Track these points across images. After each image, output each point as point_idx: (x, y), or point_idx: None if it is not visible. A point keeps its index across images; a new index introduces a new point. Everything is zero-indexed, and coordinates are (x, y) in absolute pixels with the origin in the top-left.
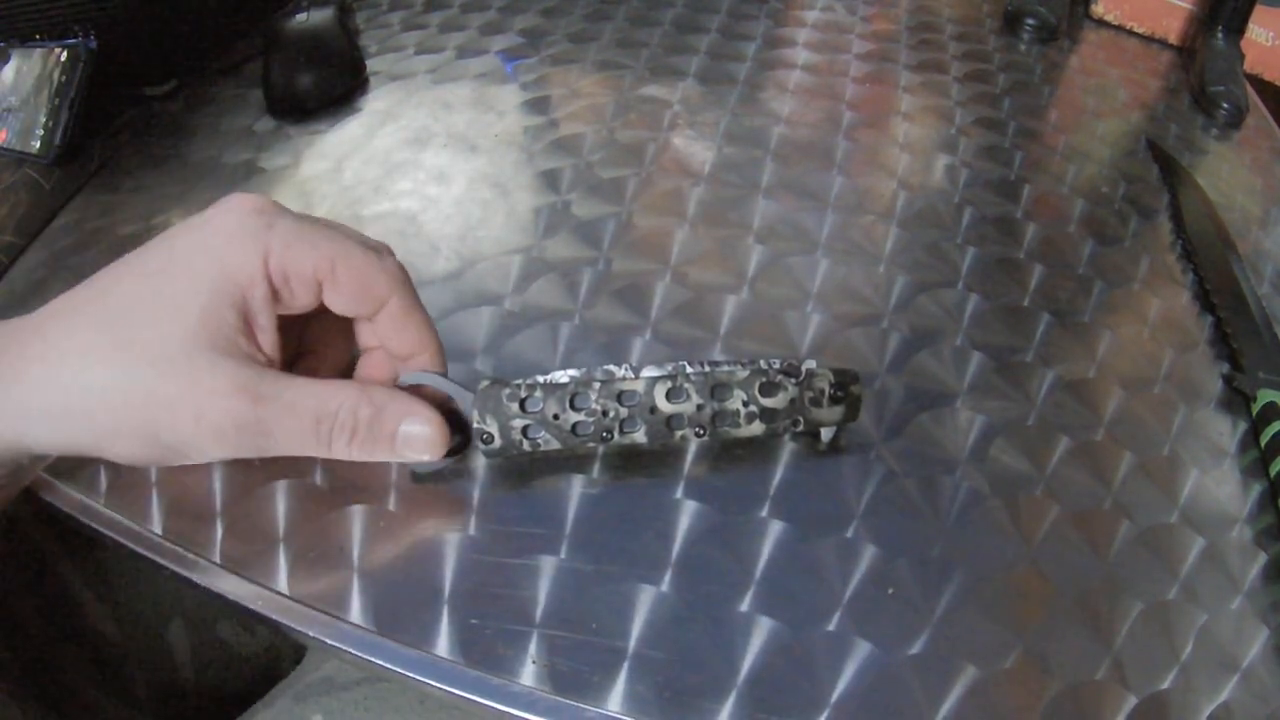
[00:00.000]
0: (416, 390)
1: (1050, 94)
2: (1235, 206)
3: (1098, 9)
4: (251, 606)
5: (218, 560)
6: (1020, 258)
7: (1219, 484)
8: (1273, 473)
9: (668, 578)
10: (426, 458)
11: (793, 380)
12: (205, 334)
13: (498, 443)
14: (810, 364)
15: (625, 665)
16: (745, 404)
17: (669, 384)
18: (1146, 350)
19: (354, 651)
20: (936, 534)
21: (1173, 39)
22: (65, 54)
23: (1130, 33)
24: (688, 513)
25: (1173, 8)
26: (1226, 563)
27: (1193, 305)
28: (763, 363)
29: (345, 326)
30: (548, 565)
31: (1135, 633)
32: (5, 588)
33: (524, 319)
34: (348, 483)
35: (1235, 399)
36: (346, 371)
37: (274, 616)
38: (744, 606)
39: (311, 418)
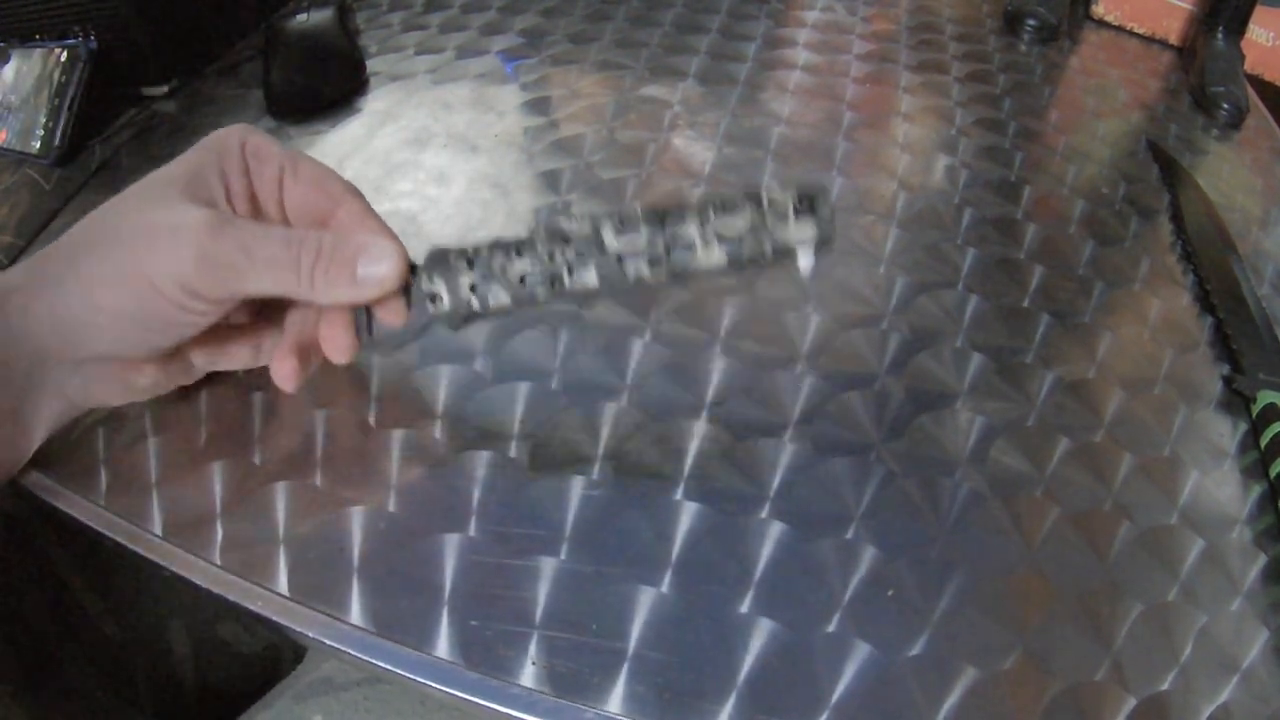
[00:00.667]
0: None
1: (1050, 94)
2: (1235, 207)
3: (1098, 9)
4: (251, 607)
5: (217, 561)
6: (1020, 258)
7: (1219, 485)
8: (1273, 474)
9: (668, 579)
10: (385, 272)
11: (751, 201)
12: (186, 189)
13: (446, 302)
14: (771, 185)
15: (625, 666)
16: (701, 226)
17: (616, 218)
18: (1147, 351)
19: (354, 653)
20: (936, 535)
21: (1173, 39)
22: (65, 54)
23: (1130, 33)
24: (688, 514)
25: (1173, 8)
26: (1226, 564)
27: (1193, 306)
28: (718, 194)
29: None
30: (548, 566)
31: (1135, 634)
32: (6, 587)
33: (524, 320)
34: (347, 484)
35: (1235, 400)
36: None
37: (274, 617)
38: (744, 608)
39: (281, 240)
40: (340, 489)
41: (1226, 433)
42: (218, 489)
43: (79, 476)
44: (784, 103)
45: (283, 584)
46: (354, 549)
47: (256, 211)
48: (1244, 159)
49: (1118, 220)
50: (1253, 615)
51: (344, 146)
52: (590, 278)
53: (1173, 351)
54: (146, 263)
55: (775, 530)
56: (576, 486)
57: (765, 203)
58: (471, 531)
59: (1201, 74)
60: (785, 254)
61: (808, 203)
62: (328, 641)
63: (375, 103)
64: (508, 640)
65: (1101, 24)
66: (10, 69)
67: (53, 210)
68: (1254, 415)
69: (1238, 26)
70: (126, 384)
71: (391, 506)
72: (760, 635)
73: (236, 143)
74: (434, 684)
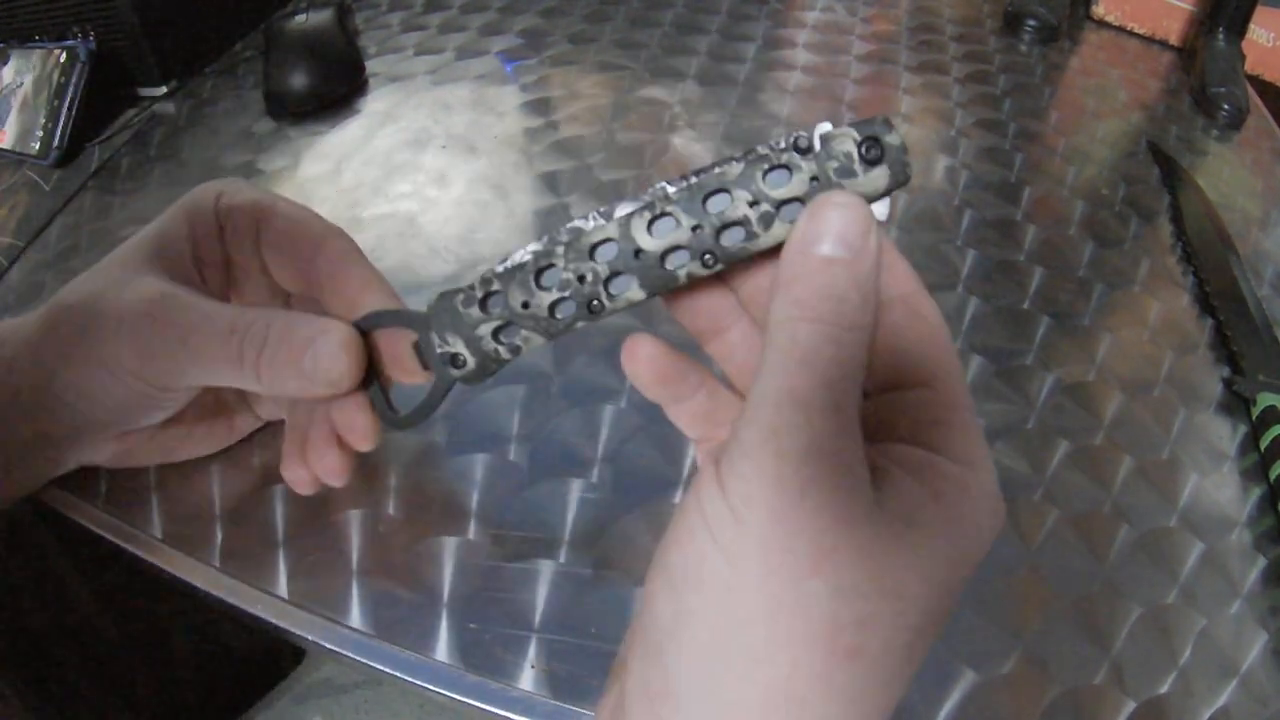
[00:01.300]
0: (377, 341)
1: (1050, 95)
2: (1235, 208)
3: (1098, 10)
4: (251, 610)
5: (217, 564)
6: (1020, 260)
7: (1218, 487)
8: (1272, 476)
9: None
10: (337, 375)
11: (806, 155)
12: (153, 257)
13: (470, 363)
14: (824, 127)
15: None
16: (753, 204)
17: (648, 214)
18: (1146, 353)
19: (353, 656)
20: None
21: (1173, 40)
22: (65, 55)
23: (1131, 33)
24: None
25: (1173, 8)
26: (1226, 566)
27: (1193, 308)
28: (761, 148)
29: None
30: (546, 570)
31: (1134, 637)
32: (7, 588)
33: None
34: (347, 488)
35: (1235, 402)
36: None
37: (273, 620)
38: None
39: (226, 326)
40: (339, 492)
41: (1226, 435)
42: (217, 492)
43: (79, 479)
44: (783, 103)
45: (282, 587)
46: (353, 552)
47: (230, 274)
48: (1244, 160)
49: (1118, 221)
50: (1252, 618)
51: (343, 147)
52: (634, 292)
53: (1172, 353)
54: (98, 349)
55: None
56: (575, 489)
57: (821, 150)
58: (470, 534)
59: (1202, 74)
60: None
61: (876, 148)
62: (327, 645)
63: (375, 103)
64: (507, 643)
65: (1101, 24)
66: (10, 69)
67: (52, 211)
68: (1254, 417)
69: (1238, 27)
70: (125, 450)
71: (390, 510)
72: None
73: (210, 202)
74: (433, 687)
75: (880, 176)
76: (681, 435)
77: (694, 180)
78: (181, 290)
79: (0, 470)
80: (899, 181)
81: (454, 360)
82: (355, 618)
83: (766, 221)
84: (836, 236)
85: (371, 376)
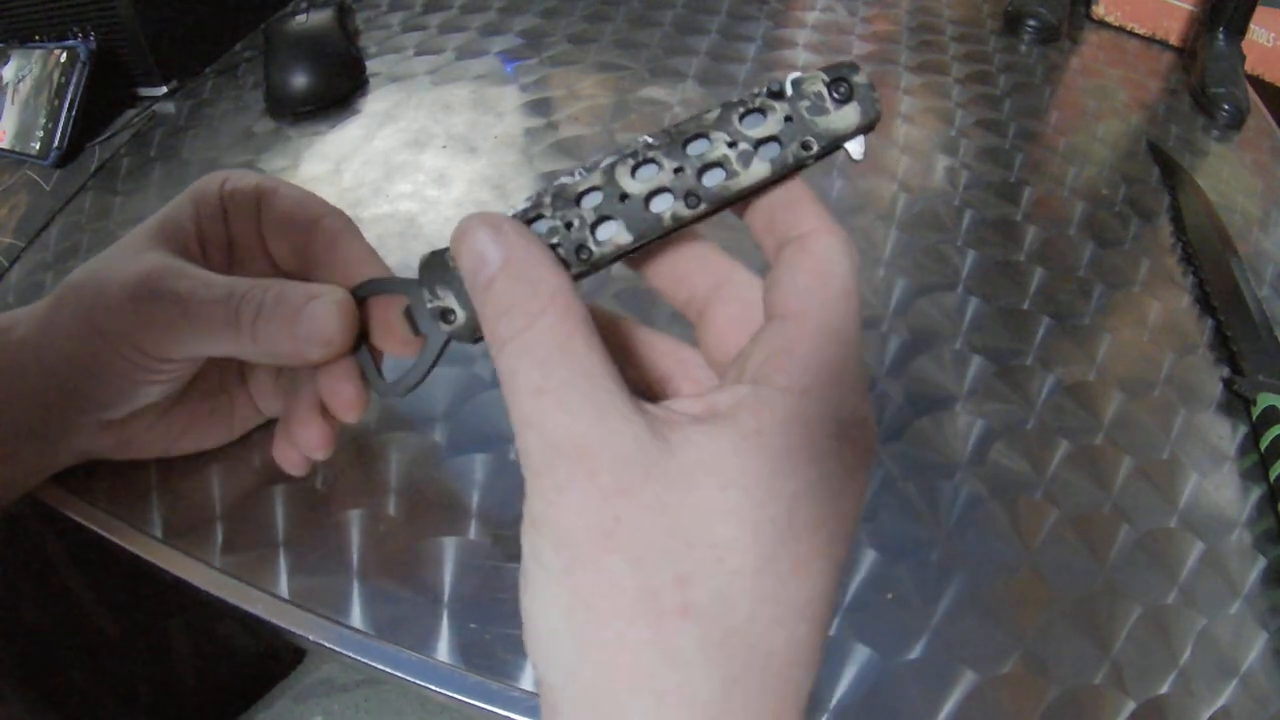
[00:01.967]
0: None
1: (1051, 95)
2: (1236, 208)
3: (1098, 10)
4: (251, 610)
5: (217, 564)
6: (1020, 260)
7: (1219, 488)
8: (1273, 476)
9: None
10: (330, 334)
11: (779, 98)
12: (158, 236)
13: (460, 316)
14: (793, 74)
15: None
16: (731, 144)
17: (631, 161)
18: (1146, 353)
19: (353, 656)
20: (936, 538)
21: (1173, 40)
22: (65, 54)
23: (1131, 34)
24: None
25: (1174, 9)
26: (1226, 567)
27: (1193, 308)
28: (734, 97)
29: None
30: None
31: (1134, 637)
32: (8, 588)
33: None
34: (347, 486)
35: (1235, 402)
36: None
37: (274, 620)
38: None
39: (224, 292)
40: (339, 492)
41: (1226, 435)
42: (217, 492)
43: (80, 479)
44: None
45: (283, 587)
46: (353, 552)
47: (232, 254)
48: (1244, 160)
49: (1118, 222)
50: (1252, 618)
51: (343, 147)
52: (620, 235)
53: (1172, 353)
54: (100, 318)
55: None
56: None
57: (793, 93)
58: (471, 534)
59: (1202, 74)
60: (833, 145)
61: (845, 87)
62: (327, 644)
63: (375, 103)
64: (507, 643)
65: (1102, 24)
66: (10, 69)
67: (52, 211)
68: (1254, 417)
69: (1238, 27)
70: (126, 439)
71: (391, 509)
72: None
73: (215, 187)
74: (434, 687)
75: (851, 113)
76: None
77: (672, 129)
78: (179, 262)
79: (2, 458)
80: (869, 118)
81: (444, 315)
82: (355, 618)
83: (745, 160)
84: (471, 258)
85: (361, 343)
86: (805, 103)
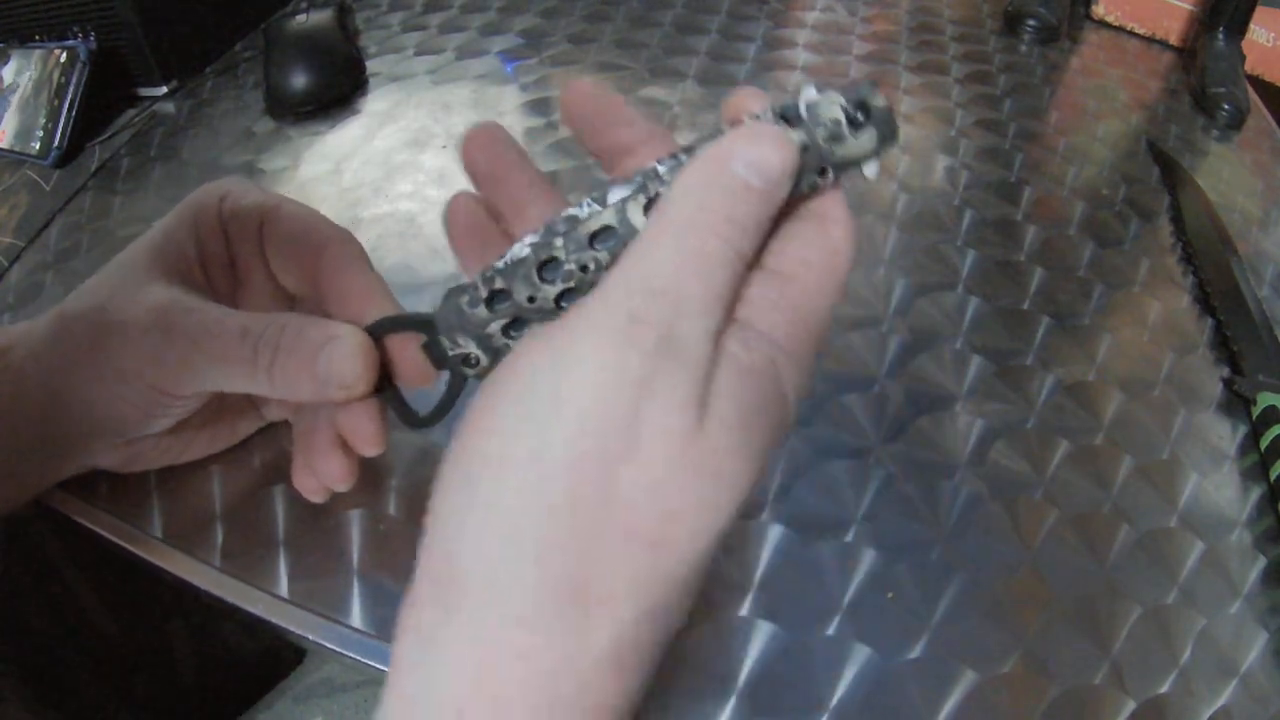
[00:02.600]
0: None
1: (1050, 95)
2: (1236, 208)
3: (1098, 10)
4: (252, 610)
5: (217, 564)
6: (1020, 260)
7: (1219, 487)
8: (1273, 476)
9: None
10: (352, 380)
11: (794, 124)
12: (158, 262)
13: (484, 360)
14: (809, 94)
15: None
16: None
17: (642, 198)
18: (1146, 353)
19: (354, 656)
20: (936, 538)
21: (1173, 40)
22: (65, 54)
23: (1131, 34)
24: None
25: (1173, 8)
26: (1226, 567)
27: (1193, 308)
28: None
29: None
30: None
31: (1134, 637)
32: (8, 589)
33: None
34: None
35: (1235, 402)
36: None
37: (274, 620)
38: (743, 610)
39: (238, 330)
40: (340, 493)
41: (1226, 435)
42: (217, 492)
43: (80, 479)
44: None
45: (283, 587)
46: (353, 552)
47: (235, 275)
48: (1244, 160)
49: (1118, 222)
50: (1252, 618)
51: (343, 147)
52: None
53: (1172, 353)
54: (115, 356)
55: (774, 533)
56: None
57: (808, 118)
58: None
59: (1202, 74)
60: (846, 170)
61: (862, 110)
62: (328, 645)
63: (375, 103)
64: None
65: (1101, 24)
66: (10, 69)
67: (52, 211)
68: (1254, 417)
69: (1238, 27)
70: (132, 456)
71: (390, 510)
72: (760, 638)
73: (214, 203)
74: None
75: (869, 139)
76: None
77: (683, 158)
78: (189, 296)
79: (4, 475)
80: (887, 142)
81: (467, 360)
82: (355, 618)
83: None
84: (760, 165)
85: (383, 381)
86: (822, 130)
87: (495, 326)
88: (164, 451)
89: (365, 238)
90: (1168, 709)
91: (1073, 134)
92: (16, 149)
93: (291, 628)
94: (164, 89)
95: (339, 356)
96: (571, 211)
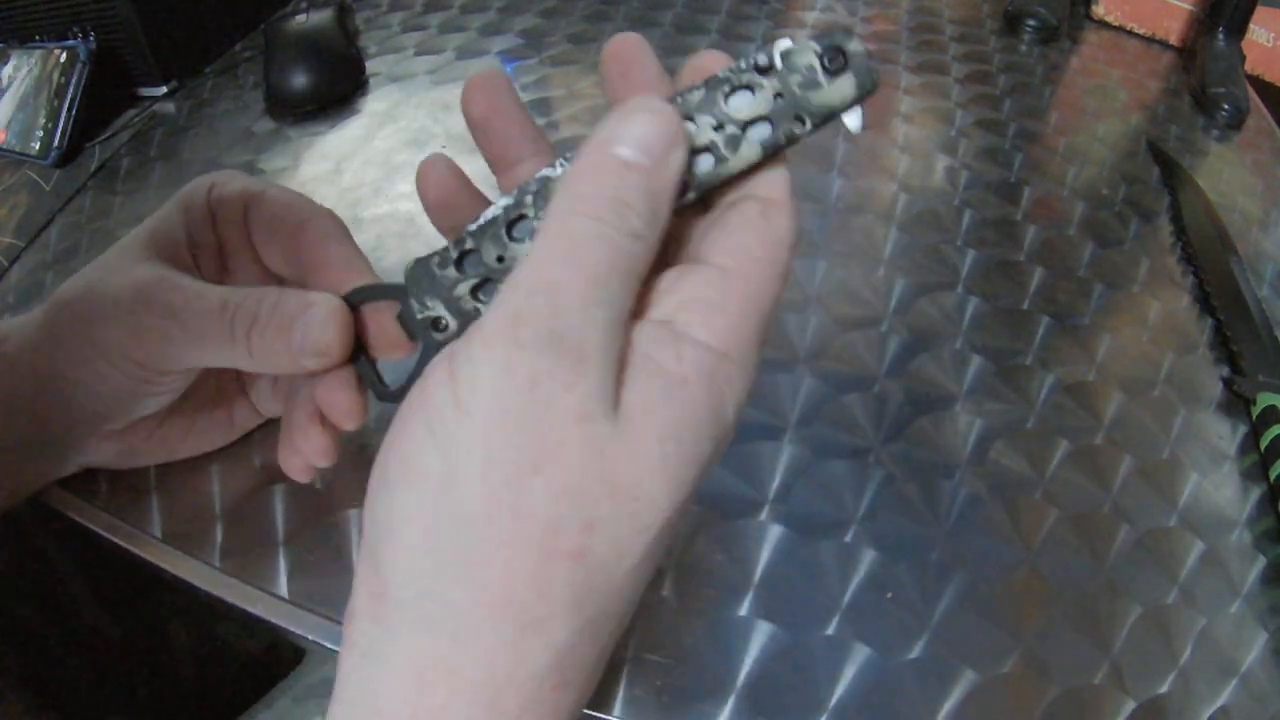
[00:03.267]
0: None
1: (1050, 95)
2: (1236, 208)
3: (1098, 10)
4: (251, 610)
5: (217, 564)
6: (1020, 260)
7: (1218, 487)
8: (1272, 476)
9: (667, 582)
10: (325, 345)
11: (768, 73)
12: (149, 246)
13: (452, 325)
14: (784, 43)
15: (624, 670)
16: (718, 128)
17: None
18: (1146, 353)
19: None
20: (936, 537)
21: (1173, 40)
22: (65, 54)
23: (1131, 34)
24: (686, 516)
25: (1173, 8)
26: (1226, 566)
27: (1193, 308)
28: (722, 72)
29: None
30: None
31: (1134, 636)
32: (7, 588)
33: None
34: (347, 486)
35: (1235, 402)
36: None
37: (273, 620)
38: (743, 610)
39: (218, 302)
40: (339, 492)
41: (1226, 435)
42: (217, 491)
43: (79, 479)
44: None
45: (282, 587)
46: (353, 552)
47: (224, 261)
48: (1244, 160)
49: (1118, 222)
50: (1252, 618)
51: (343, 147)
52: None
53: (1172, 353)
54: (96, 332)
55: (774, 533)
56: None
57: (782, 67)
58: None
59: (1202, 74)
60: (826, 120)
61: (838, 56)
62: (327, 644)
63: (375, 103)
64: None
65: (1101, 24)
66: (10, 69)
67: (52, 211)
68: (1254, 417)
69: (1238, 27)
70: (126, 448)
71: None
72: (759, 638)
73: (203, 192)
74: None
75: (846, 86)
76: None
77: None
78: (173, 274)
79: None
80: (866, 89)
81: (436, 324)
82: None
83: (734, 144)
84: (638, 141)
85: (358, 351)
86: (796, 77)
87: (464, 288)
88: (159, 444)
89: (365, 238)
90: (1168, 709)
91: (1073, 134)
92: (16, 149)
93: (291, 628)
94: (164, 89)
95: (315, 323)
96: (545, 171)
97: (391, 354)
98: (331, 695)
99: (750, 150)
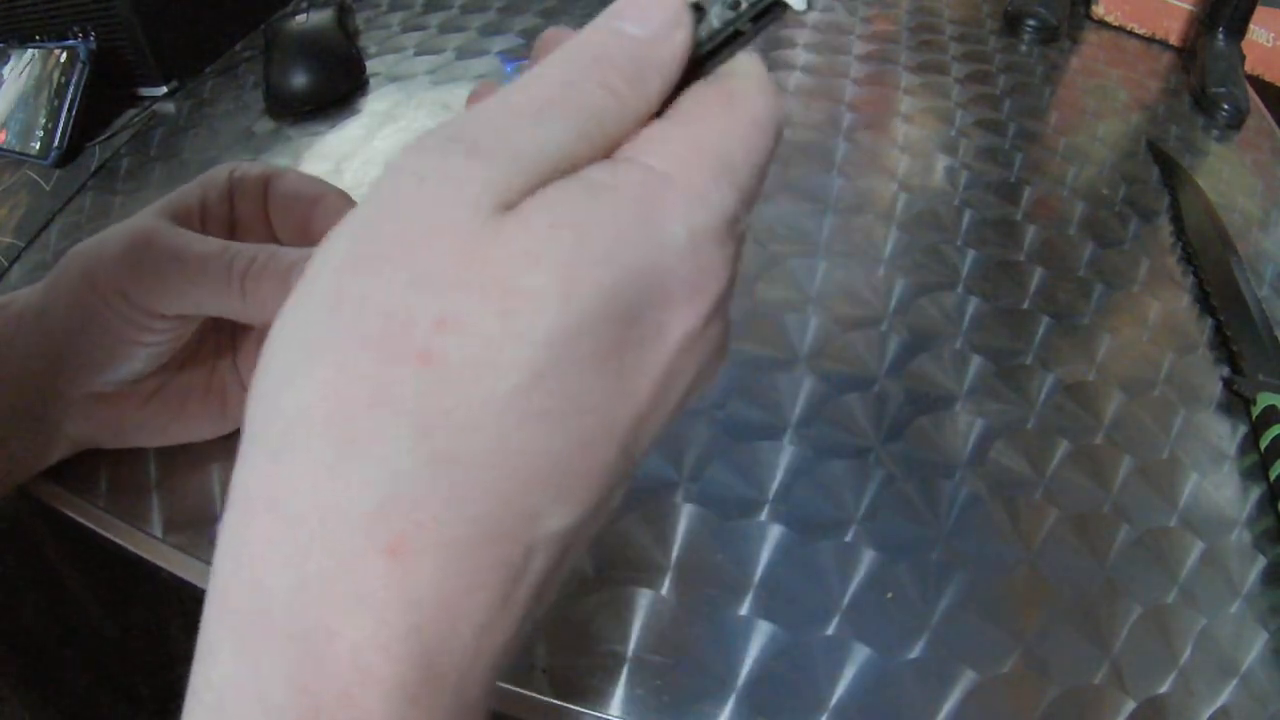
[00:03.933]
0: None
1: (1050, 95)
2: (1236, 208)
3: (1098, 10)
4: None
5: None
6: (1020, 260)
7: (1218, 487)
8: (1272, 476)
9: (667, 582)
10: None
11: None
12: (164, 210)
13: None
14: None
15: (625, 669)
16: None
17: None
18: (1146, 353)
19: None
20: (936, 537)
21: (1173, 40)
22: (65, 54)
23: (1131, 34)
24: (686, 516)
25: (1173, 9)
26: (1226, 566)
27: (1193, 307)
28: None
29: None
30: None
31: (1134, 636)
32: (7, 588)
33: None
34: None
35: (1235, 402)
36: None
37: None
38: (743, 610)
39: (219, 247)
40: None
41: (1226, 435)
42: (217, 490)
43: (79, 478)
44: (783, 103)
45: None
46: None
47: (235, 234)
48: (1244, 160)
49: (1118, 221)
50: (1252, 618)
51: (343, 147)
52: None
53: (1172, 353)
54: (95, 272)
55: (774, 532)
56: None
57: None
58: None
59: (1202, 74)
60: (768, 7)
61: None
62: None
63: (375, 103)
64: None
65: (1101, 24)
66: (10, 69)
67: (52, 211)
68: (1254, 417)
69: (1238, 27)
70: (117, 421)
71: None
72: (759, 638)
73: (224, 173)
74: None
75: None
76: (681, 436)
77: None
78: (180, 227)
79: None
80: None
81: None
82: None
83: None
84: (639, 15)
85: None
86: None
87: None
88: (149, 420)
89: None
90: (1168, 709)
91: (1073, 134)
92: (16, 149)
93: None
94: (164, 89)
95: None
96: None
97: None
98: None
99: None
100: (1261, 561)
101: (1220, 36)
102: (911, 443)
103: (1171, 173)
